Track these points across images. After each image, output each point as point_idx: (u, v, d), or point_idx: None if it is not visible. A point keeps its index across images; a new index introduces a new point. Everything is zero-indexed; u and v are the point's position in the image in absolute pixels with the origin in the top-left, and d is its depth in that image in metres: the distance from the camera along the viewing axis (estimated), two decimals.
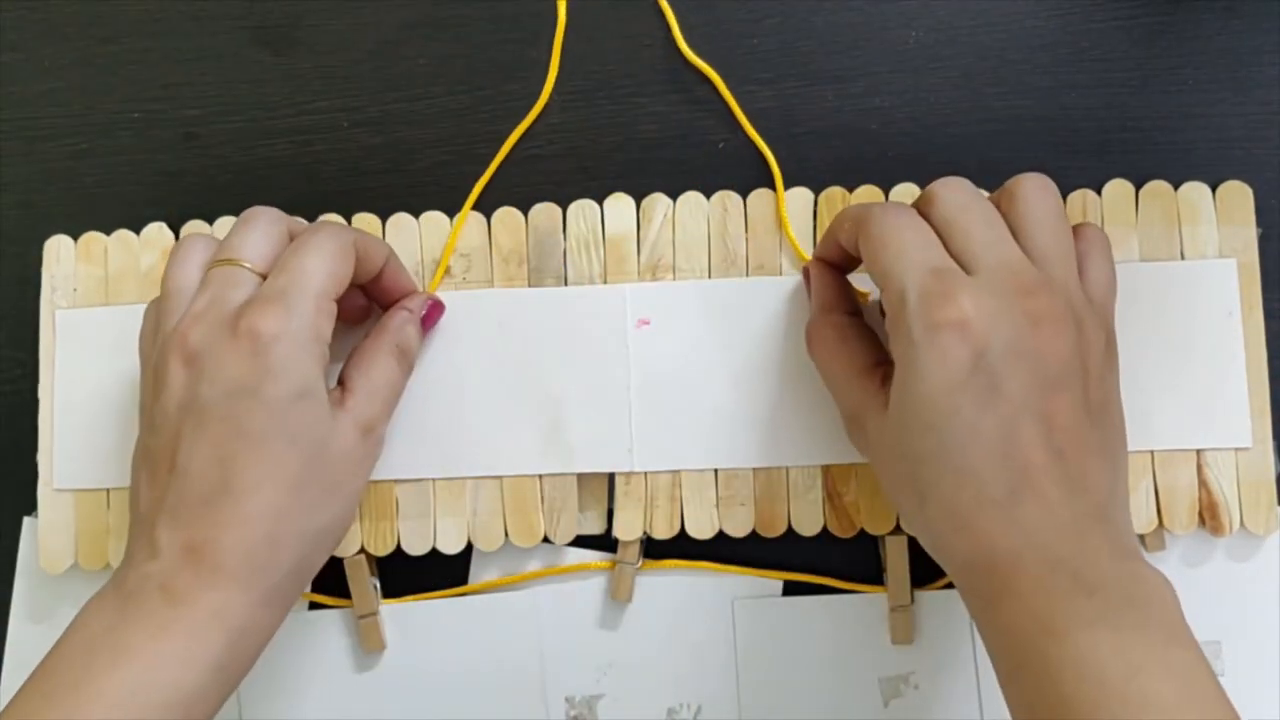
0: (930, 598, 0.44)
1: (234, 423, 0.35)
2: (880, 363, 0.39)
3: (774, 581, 0.44)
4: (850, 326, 0.40)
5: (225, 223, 0.45)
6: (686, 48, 0.45)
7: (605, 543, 0.44)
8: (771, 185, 0.44)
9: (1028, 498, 0.32)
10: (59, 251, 0.45)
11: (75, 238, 0.45)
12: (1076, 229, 0.38)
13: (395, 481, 0.44)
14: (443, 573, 0.44)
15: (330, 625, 0.44)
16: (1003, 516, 0.32)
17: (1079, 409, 0.34)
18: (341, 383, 0.40)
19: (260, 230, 0.38)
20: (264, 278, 0.37)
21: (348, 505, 0.39)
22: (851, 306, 0.41)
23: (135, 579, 0.35)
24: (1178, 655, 0.31)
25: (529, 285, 0.44)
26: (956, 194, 0.36)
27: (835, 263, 0.41)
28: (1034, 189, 0.36)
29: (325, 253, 0.37)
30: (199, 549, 0.34)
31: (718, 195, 0.44)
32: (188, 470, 0.35)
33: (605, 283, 0.44)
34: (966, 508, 0.33)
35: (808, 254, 0.44)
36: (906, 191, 0.44)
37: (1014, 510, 0.32)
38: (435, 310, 0.43)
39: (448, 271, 0.44)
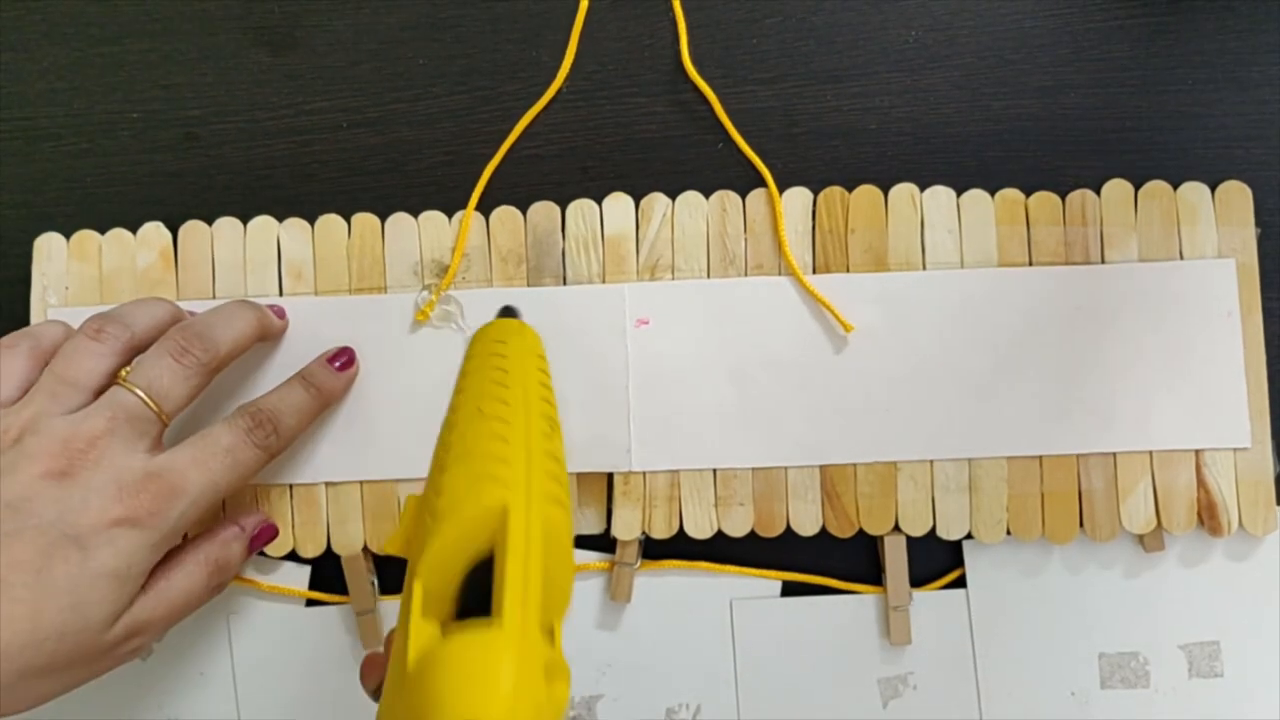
0: (929, 598, 0.44)
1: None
2: None
3: (772, 582, 0.44)
4: None
5: (225, 223, 0.45)
6: (690, 65, 0.45)
7: (604, 542, 0.44)
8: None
9: None
10: (49, 249, 0.45)
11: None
12: None
13: (397, 481, 0.44)
14: None
15: (329, 621, 0.44)
16: None
17: None
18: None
19: (182, 374, 0.37)
20: (161, 415, 0.37)
21: (62, 686, 0.35)
22: None
23: None
24: None
25: (528, 285, 0.44)
26: None
27: None
28: None
29: (216, 470, 0.37)
30: None
31: (716, 195, 0.44)
32: None
33: (604, 282, 0.44)
34: None
35: (808, 264, 0.44)
36: (905, 191, 0.44)
37: None
38: (266, 532, 0.42)
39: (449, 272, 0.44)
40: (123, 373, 0.37)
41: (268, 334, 0.42)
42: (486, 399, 0.29)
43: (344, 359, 0.43)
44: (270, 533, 0.42)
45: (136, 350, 0.38)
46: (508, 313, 0.39)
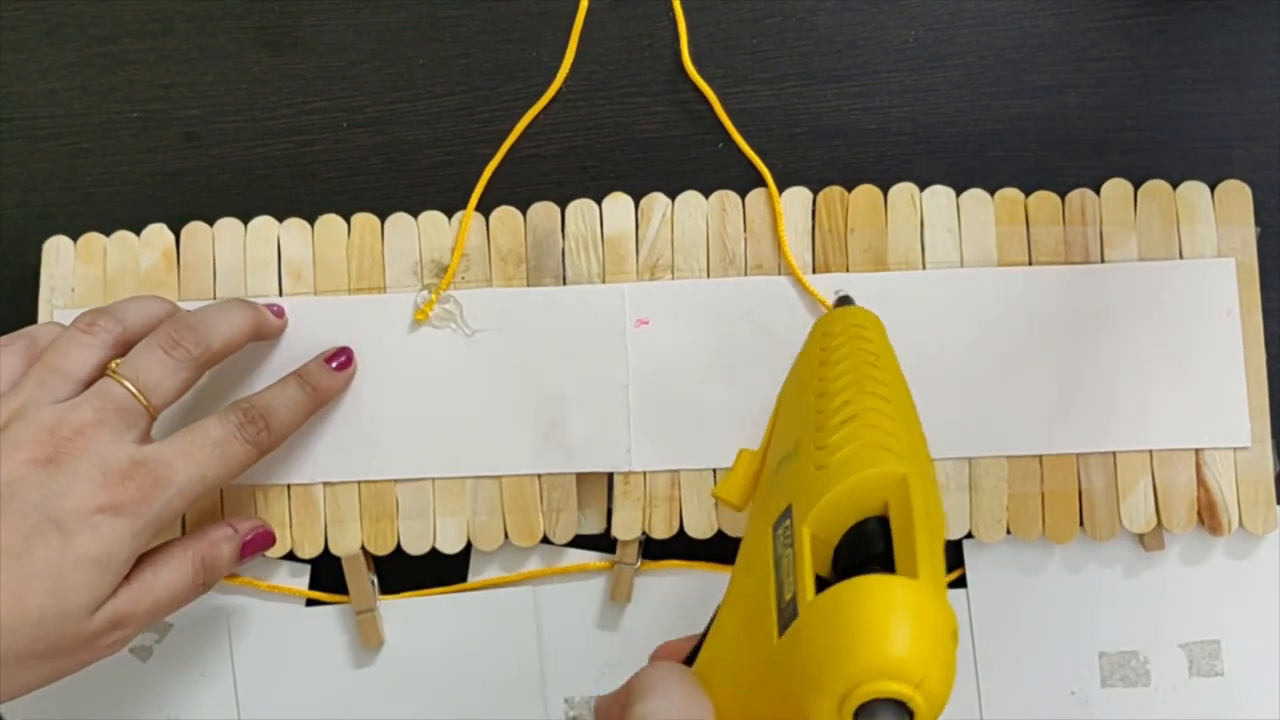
0: None
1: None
2: None
3: None
4: None
5: (226, 224, 0.45)
6: (690, 65, 0.45)
7: (604, 542, 0.44)
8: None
9: None
10: (58, 252, 0.45)
11: (75, 238, 0.45)
12: None
13: (395, 481, 0.44)
14: (442, 572, 0.44)
15: (329, 620, 0.44)
16: None
17: None
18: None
19: (170, 365, 0.38)
20: (149, 407, 0.37)
21: (44, 675, 0.35)
22: None
23: None
24: None
25: (527, 285, 0.44)
26: None
27: None
28: None
29: (203, 459, 0.37)
30: None
31: (716, 195, 0.44)
32: None
33: (604, 282, 0.44)
34: None
35: (807, 263, 0.44)
36: (905, 191, 0.44)
37: None
38: (261, 539, 0.41)
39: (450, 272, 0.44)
40: (113, 365, 0.37)
41: (263, 332, 0.42)
42: (866, 379, 0.31)
43: (342, 359, 0.43)
44: (265, 540, 0.41)
45: (128, 344, 0.38)
46: (848, 301, 0.40)
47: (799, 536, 0.26)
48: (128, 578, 0.36)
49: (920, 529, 0.25)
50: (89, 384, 0.37)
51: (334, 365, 0.43)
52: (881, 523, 0.26)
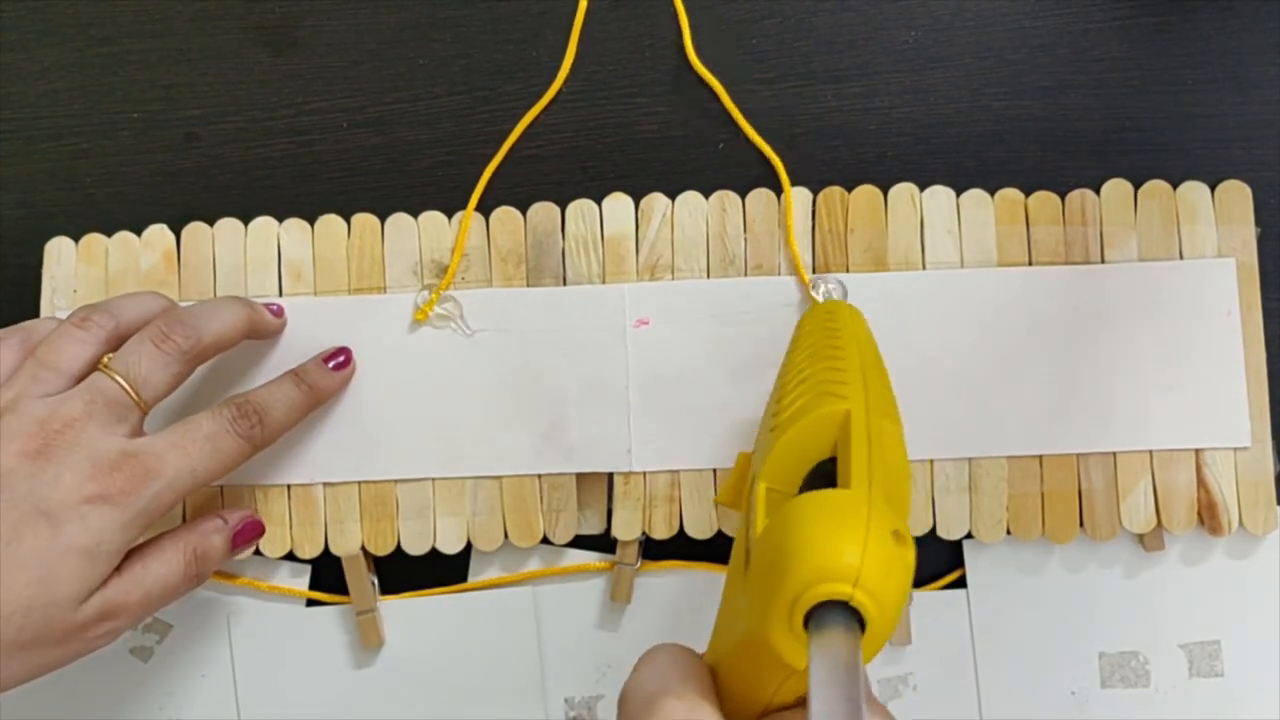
0: (929, 598, 0.44)
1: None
2: None
3: None
4: None
5: (226, 224, 0.45)
6: (695, 57, 0.45)
7: (605, 543, 0.44)
8: (770, 185, 0.44)
9: None
10: (60, 253, 0.45)
11: (75, 238, 0.45)
12: None
13: (395, 481, 0.44)
14: (442, 572, 0.44)
15: (329, 621, 0.44)
16: None
17: None
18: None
19: (159, 360, 0.38)
20: (140, 401, 0.37)
21: (34, 666, 0.35)
22: None
23: None
24: None
25: (527, 285, 0.44)
26: None
27: None
28: None
29: (194, 457, 0.37)
30: None
31: (716, 195, 0.44)
32: None
33: (604, 282, 0.44)
34: None
35: (807, 263, 0.44)
36: (905, 191, 0.44)
37: None
38: (251, 529, 0.41)
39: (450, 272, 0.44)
40: (105, 359, 0.37)
41: (258, 329, 0.42)
42: (821, 346, 0.33)
43: (340, 359, 0.43)
44: (255, 529, 0.41)
45: (121, 339, 0.38)
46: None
47: (756, 491, 0.27)
48: (118, 569, 0.36)
49: (857, 448, 0.25)
50: (82, 378, 0.37)
51: (332, 365, 0.43)
52: (835, 463, 0.27)
